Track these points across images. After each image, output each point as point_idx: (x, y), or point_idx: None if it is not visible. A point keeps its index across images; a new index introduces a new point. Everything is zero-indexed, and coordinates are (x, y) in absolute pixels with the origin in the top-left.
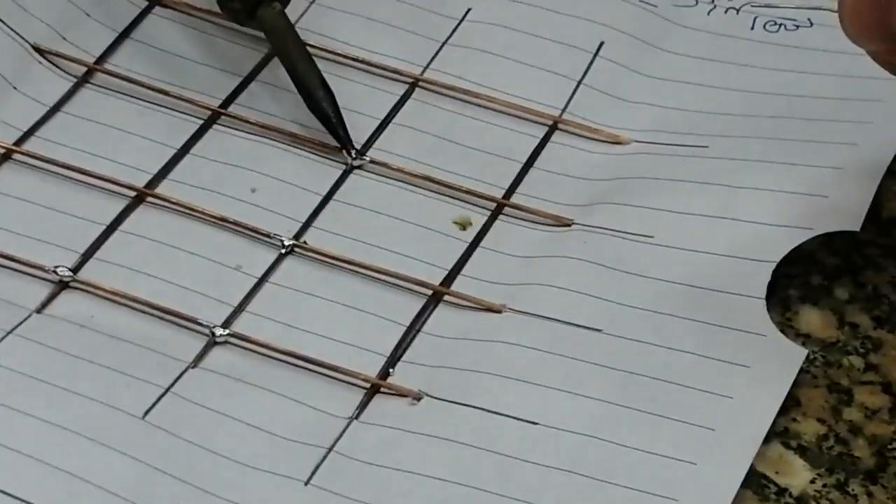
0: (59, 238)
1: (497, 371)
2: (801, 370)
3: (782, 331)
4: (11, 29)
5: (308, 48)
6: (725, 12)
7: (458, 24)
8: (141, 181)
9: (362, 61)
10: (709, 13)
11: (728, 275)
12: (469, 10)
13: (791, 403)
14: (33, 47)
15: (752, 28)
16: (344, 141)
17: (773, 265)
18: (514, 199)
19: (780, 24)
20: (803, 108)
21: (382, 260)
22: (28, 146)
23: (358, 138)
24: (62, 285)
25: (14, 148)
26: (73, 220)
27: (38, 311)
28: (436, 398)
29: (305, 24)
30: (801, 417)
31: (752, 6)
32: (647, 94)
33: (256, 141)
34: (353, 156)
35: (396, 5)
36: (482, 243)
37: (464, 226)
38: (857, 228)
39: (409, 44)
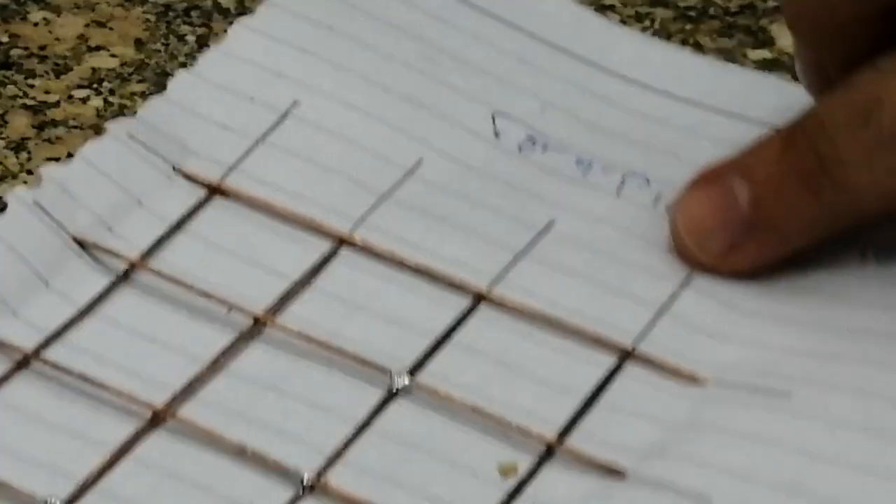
0: (60, 463)
1: None
2: None
3: None
4: (52, 218)
5: (362, 246)
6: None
7: (537, 235)
8: (164, 398)
9: (424, 270)
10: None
11: None
12: (552, 221)
13: None
14: (74, 239)
15: (864, 256)
16: None
17: None
18: (571, 441)
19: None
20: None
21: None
22: (50, 353)
23: (407, 357)
24: None
25: (31, 355)
26: (78, 444)
27: None
28: None
29: (376, 222)
30: None
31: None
32: (734, 328)
33: (295, 357)
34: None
35: (475, 208)
36: (522, 494)
37: (507, 473)
38: None
39: (482, 251)
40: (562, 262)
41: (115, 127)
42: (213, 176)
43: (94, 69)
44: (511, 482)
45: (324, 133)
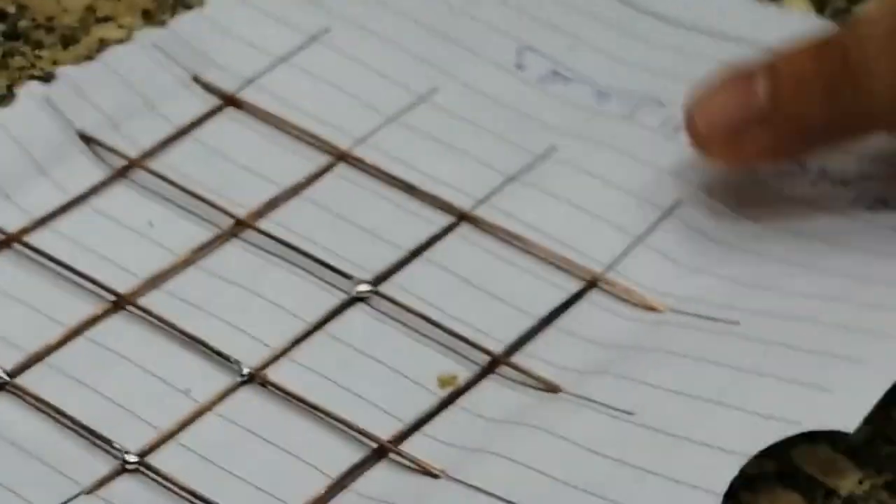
0: (15, 336)
1: None
2: None
3: None
4: (61, 114)
5: (364, 165)
6: (833, 186)
7: (535, 160)
8: (129, 288)
9: (412, 188)
10: (813, 183)
11: (693, 463)
12: (553, 147)
13: None
14: (79, 134)
15: (854, 203)
16: None
17: (745, 459)
18: (516, 358)
19: (883, 203)
20: (866, 295)
21: (344, 403)
22: (34, 236)
23: (375, 268)
24: None
25: (15, 237)
26: (39, 320)
27: None
28: None
29: (376, 142)
30: None
31: (864, 179)
32: (708, 261)
33: (268, 259)
34: (357, 281)
35: (477, 131)
36: (458, 401)
37: (445, 384)
38: (851, 430)
39: (474, 172)
40: (552, 187)
41: (141, 35)
42: (230, 87)
43: (101, 40)
44: (449, 390)
45: (347, 60)
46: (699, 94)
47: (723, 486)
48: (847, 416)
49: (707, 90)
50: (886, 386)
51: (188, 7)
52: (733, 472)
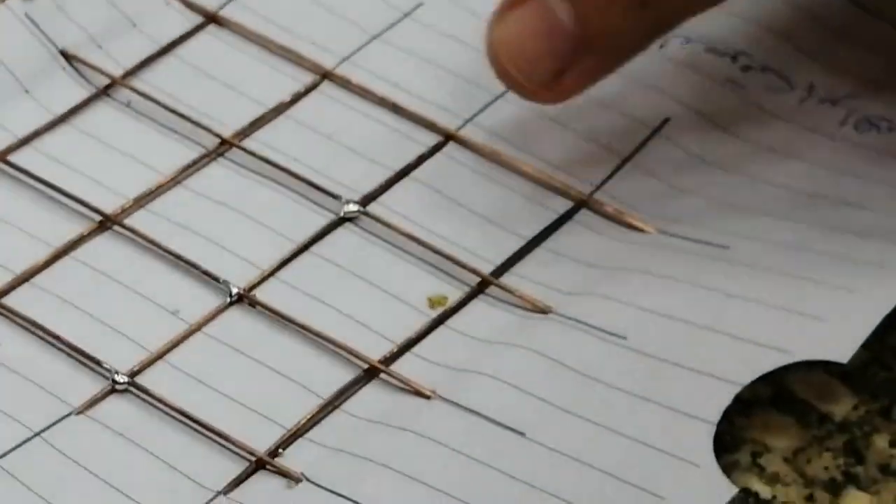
0: (1, 256)
1: (394, 464)
2: None
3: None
4: (42, 31)
5: (341, 82)
6: (820, 103)
7: None
8: (116, 208)
9: (398, 107)
10: (801, 102)
11: (686, 391)
12: None
13: None
14: (61, 52)
15: (843, 124)
16: None
17: (738, 388)
18: (506, 278)
19: (875, 126)
20: (859, 223)
21: (334, 324)
22: (18, 155)
23: (363, 188)
24: None
25: None
26: (25, 240)
27: None
28: (315, 484)
29: (358, 60)
30: None
31: (853, 98)
32: (696, 182)
33: (256, 179)
34: (345, 201)
35: (461, 48)
36: (448, 322)
37: (435, 304)
38: (845, 360)
39: (461, 92)
40: (540, 105)
41: None
42: (212, 5)
43: None
44: (440, 310)
45: None
46: (495, 30)
47: (717, 415)
48: (841, 345)
49: (502, 24)
50: (880, 316)
51: None
52: (727, 400)
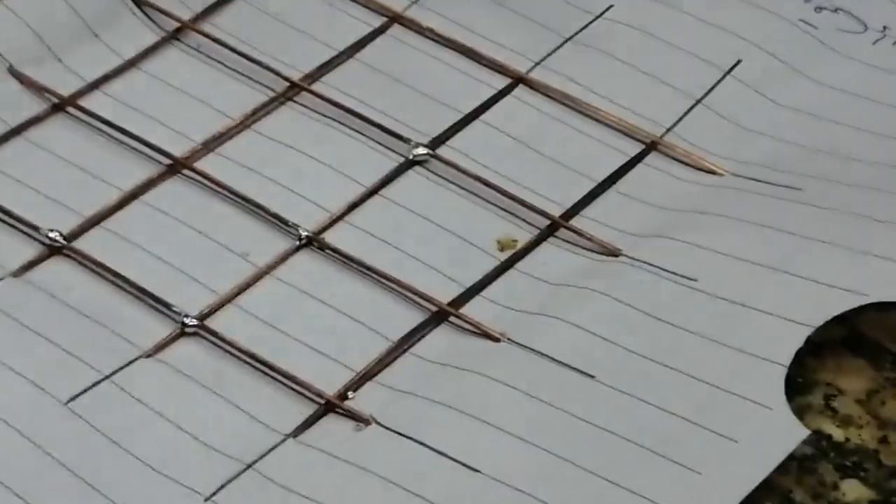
0: (71, 200)
1: (463, 407)
2: None
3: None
4: None
5: (419, 27)
6: (894, 44)
7: (593, 20)
8: (185, 151)
9: (469, 50)
10: (874, 42)
11: (758, 333)
12: (611, 6)
13: None
14: None
15: None
16: None
17: (811, 330)
18: (575, 221)
19: None
20: None
21: (403, 267)
22: (87, 100)
23: (432, 131)
24: (52, 250)
25: (68, 100)
26: (95, 184)
27: (16, 274)
28: (384, 427)
29: (427, 2)
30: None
31: None
32: (768, 124)
33: (325, 123)
34: (414, 144)
35: None
36: (517, 265)
37: (504, 247)
38: None
39: (531, 35)
40: (610, 48)
41: None
42: None
43: None
44: (508, 253)
45: None
46: None
47: (788, 358)
48: None
49: None
50: None
51: None
52: (799, 342)
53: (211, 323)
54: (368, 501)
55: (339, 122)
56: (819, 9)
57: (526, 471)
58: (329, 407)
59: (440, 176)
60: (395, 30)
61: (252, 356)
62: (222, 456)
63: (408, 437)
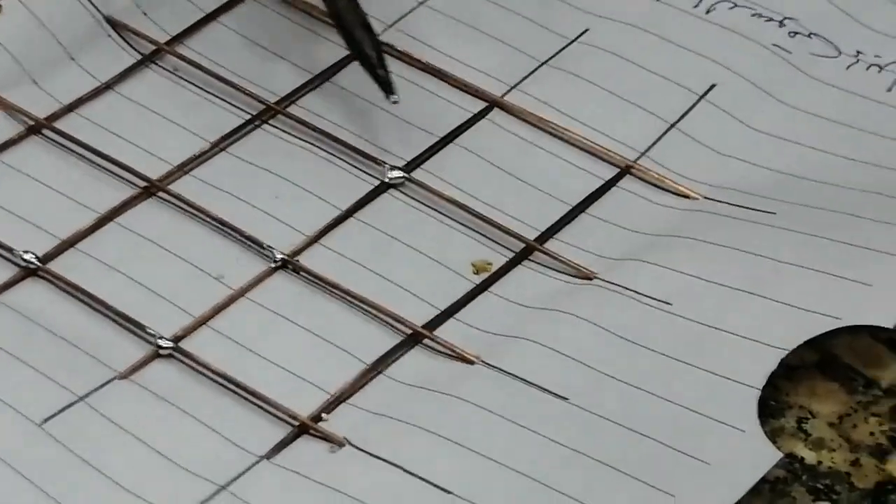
0: (47, 222)
1: (437, 429)
2: None
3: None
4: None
5: (394, 50)
6: (867, 69)
7: (568, 44)
8: (160, 174)
9: (443, 74)
10: (848, 67)
11: (731, 356)
12: (586, 30)
13: None
14: (106, 19)
15: (890, 90)
16: (384, 82)
17: (784, 353)
18: (550, 245)
19: None
20: None
21: (378, 290)
22: (63, 122)
23: (407, 154)
24: (27, 272)
25: (44, 123)
26: (71, 206)
27: None
28: (358, 448)
29: (405, 27)
30: None
31: None
32: (742, 148)
33: (300, 146)
34: (389, 167)
35: (509, 16)
36: (492, 288)
37: (479, 270)
38: (891, 325)
39: (507, 58)
40: (585, 71)
41: None
42: None
43: None
44: (483, 276)
45: None
46: None
47: (761, 381)
48: (888, 311)
49: None
50: None
51: None
52: (772, 365)
53: (185, 345)
54: None
55: (315, 145)
56: (793, 34)
57: (498, 492)
58: (303, 428)
59: (415, 199)
60: None
61: (226, 378)
62: (196, 477)
63: (381, 459)
